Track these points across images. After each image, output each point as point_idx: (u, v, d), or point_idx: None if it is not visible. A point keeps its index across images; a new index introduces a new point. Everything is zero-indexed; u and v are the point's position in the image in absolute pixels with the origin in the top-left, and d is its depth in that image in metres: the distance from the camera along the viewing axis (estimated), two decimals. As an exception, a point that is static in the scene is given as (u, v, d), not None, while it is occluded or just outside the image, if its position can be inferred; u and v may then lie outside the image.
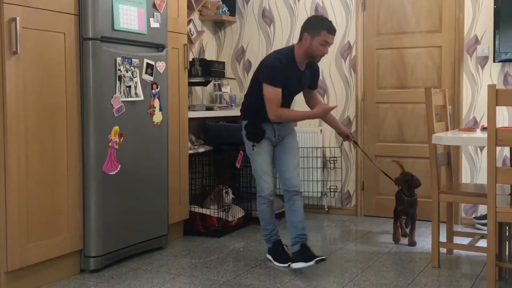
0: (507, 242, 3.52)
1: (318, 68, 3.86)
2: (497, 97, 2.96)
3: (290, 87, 3.62)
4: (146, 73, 3.81)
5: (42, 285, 3.31)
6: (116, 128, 3.61)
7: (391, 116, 5.10)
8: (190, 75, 4.68)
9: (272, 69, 3.53)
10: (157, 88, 3.92)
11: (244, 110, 3.75)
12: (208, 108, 4.87)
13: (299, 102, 4.14)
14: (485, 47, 4.67)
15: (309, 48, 3.54)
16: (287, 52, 3.62)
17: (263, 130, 3.62)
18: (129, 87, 3.69)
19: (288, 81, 3.57)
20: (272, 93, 3.51)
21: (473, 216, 4.78)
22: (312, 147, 5.27)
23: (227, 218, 4.56)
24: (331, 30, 3.56)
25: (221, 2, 5.46)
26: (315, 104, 3.87)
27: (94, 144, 3.49)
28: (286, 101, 3.66)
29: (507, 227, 3.49)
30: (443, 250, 3.92)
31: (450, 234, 3.95)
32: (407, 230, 4.33)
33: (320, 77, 5.27)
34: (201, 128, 4.93)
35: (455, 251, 3.97)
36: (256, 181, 3.72)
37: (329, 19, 3.71)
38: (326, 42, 3.54)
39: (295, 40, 5.40)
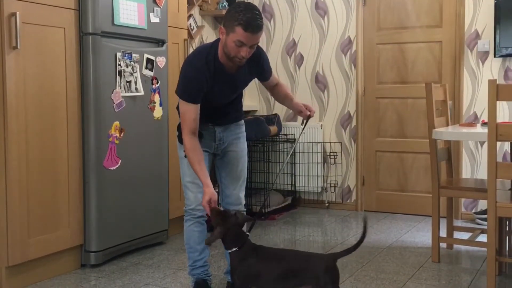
0: (507, 237, 3.52)
1: (258, 53, 2.83)
2: (497, 92, 2.96)
3: (220, 95, 2.86)
4: (146, 68, 3.81)
5: (43, 279, 3.32)
6: (117, 123, 3.62)
7: (392, 111, 5.09)
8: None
9: (185, 81, 2.75)
10: (157, 83, 3.91)
11: (178, 106, 2.94)
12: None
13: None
14: (486, 42, 4.66)
15: (225, 47, 2.68)
16: (209, 52, 2.76)
17: (199, 133, 2.84)
18: (129, 82, 3.69)
19: (214, 90, 2.79)
20: (183, 108, 2.75)
21: (473, 211, 4.78)
22: (312, 142, 5.28)
23: (227, 213, 4.56)
24: (249, 27, 2.57)
25: (221, -3, 5.44)
26: (284, 96, 3.05)
27: (94, 139, 3.50)
28: (221, 105, 2.92)
29: (507, 222, 3.50)
30: (443, 245, 3.93)
31: (450, 229, 3.95)
32: None
33: (320, 72, 5.29)
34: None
35: (455, 246, 3.97)
36: (183, 191, 3.00)
37: (257, 11, 2.61)
38: (242, 42, 2.61)
39: (295, 35, 5.41)
